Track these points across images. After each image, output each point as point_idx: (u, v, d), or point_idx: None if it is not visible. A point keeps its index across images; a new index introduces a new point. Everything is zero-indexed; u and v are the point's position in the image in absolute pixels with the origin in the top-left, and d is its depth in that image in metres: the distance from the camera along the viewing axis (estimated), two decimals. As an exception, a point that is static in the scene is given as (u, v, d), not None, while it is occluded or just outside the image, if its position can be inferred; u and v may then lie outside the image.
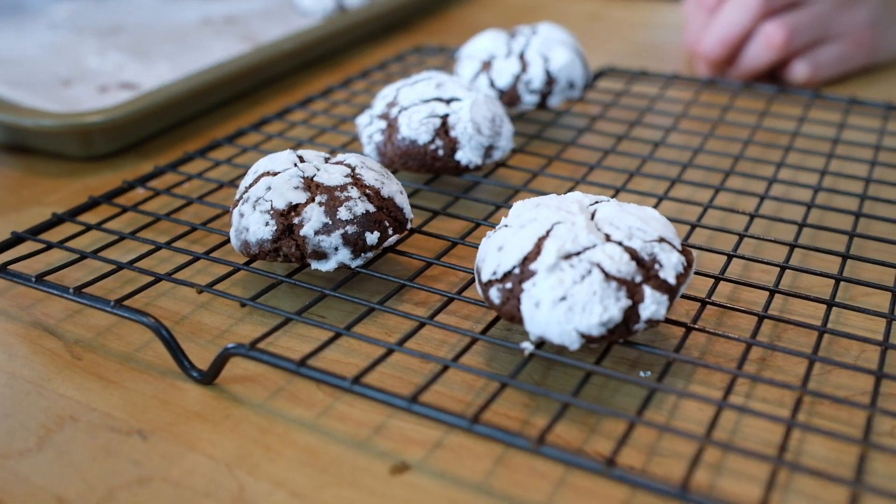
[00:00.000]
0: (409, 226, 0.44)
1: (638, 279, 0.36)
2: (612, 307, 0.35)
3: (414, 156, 0.51)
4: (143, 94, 0.62)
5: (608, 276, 0.35)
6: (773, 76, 0.72)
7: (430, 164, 0.51)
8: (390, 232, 0.43)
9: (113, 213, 0.49)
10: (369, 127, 0.53)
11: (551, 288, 0.35)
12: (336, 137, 0.60)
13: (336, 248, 0.41)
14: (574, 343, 0.35)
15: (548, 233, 0.37)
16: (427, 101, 0.52)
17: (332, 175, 0.43)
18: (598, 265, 0.35)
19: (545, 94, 0.60)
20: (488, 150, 0.51)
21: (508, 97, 0.60)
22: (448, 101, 0.52)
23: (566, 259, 0.36)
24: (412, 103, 0.52)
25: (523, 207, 0.39)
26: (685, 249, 0.38)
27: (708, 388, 0.37)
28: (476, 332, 0.38)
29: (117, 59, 0.75)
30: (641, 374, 0.39)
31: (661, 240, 0.37)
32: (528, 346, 0.37)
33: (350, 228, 0.41)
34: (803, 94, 0.63)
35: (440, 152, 0.50)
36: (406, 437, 0.36)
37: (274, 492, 0.33)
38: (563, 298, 0.35)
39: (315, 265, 0.42)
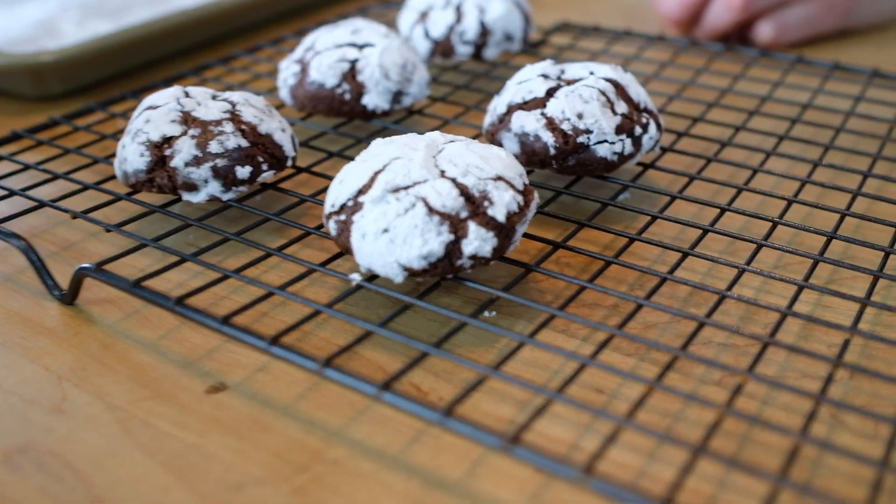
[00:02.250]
0: (289, 163, 0.45)
1: (464, 215, 0.36)
2: (433, 241, 0.35)
3: (322, 99, 0.51)
4: (95, 37, 0.64)
5: (432, 210, 0.35)
6: (745, 38, 0.70)
7: (338, 108, 0.51)
8: (265, 168, 0.44)
9: (29, 146, 0.51)
10: (286, 71, 0.53)
11: (375, 220, 0.36)
12: (268, 82, 0.61)
13: (206, 181, 0.42)
14: (396, 275, 0.36)
15: (384, 167, 0.37)
16: (340, 45, 0.52)
17: (209, 110, 0.44)
18: (424, 199, 0.36)
19: (480, 46, 0.59)
20: (397, 96, 0.52)
21: (443, 48, 0.60)
22: (361, 47, 0.52)
23: (394, 192, 0.36)
24: (326, 48, 0.52)
25: (377, 144, 0.40)
26: (527, 189, 0.38)
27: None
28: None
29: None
30: (486, 313, 0.39)
31: (499, 178, 0.37)
32: (355, 278, 0.37)
33: (220, 162, 0.42)
34: (781, 57, 0.62)
35: (347, 96, 0.51)
36: (234, 360, 0.37)
37: (93, 402, 0.35)
38: (386, 230, 0.35)
39: (186, 196, 0.43)
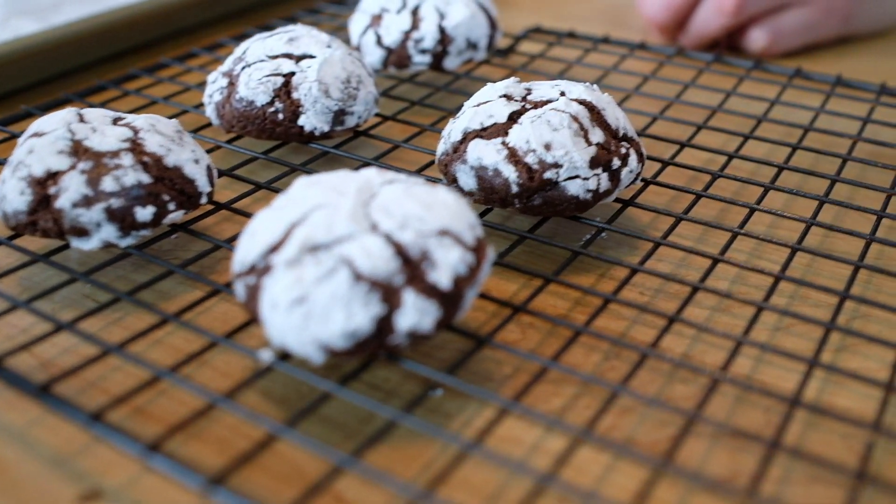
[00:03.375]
0: (204, 200, 0.38)
1: (399, 281, 0.29)
2: (360, 314, 0.28)
3: (251, 119, 0.44)
4: (16, 38, 0.56)
5: (359, 276, 0.28)
6: (735, 45, 0.63)
7: (269, 130, 0.44)
8: (172, 207, 0.37)
9: None
10: (212, 85, 0.46)
11: (288, 287, 0.29)
12: (199, 95, 0.54)
13: (98, 224, 0.35)
14: (314, 356, 0.29)
15: (303, 218, 0.30)
16: (274, 57, 0.45)
17: (105, 138, 0.37)
18: (349, 261, 0.29)
19: (439, 55, 0.52)
20: (339, 116, 0.45)
21: (397, 57, 0.53)
22: (298, 59, 0.45)
23: (312, 252, 0.29)
24: (257, 59, 0.45)
25: (299, 185, 0.33)
26: (479, 245, 0.31)
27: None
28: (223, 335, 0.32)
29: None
30: (432, 392, 0.32)
31: (444, 232, 0.30)
32: (265, 356, 0.30)
33: (115, 201, 0.35)
34: (778, 69, 0.55)
35: (280, 116, 0.44)
36: (113, 459, 0.29)
37: (-67, 517, 0.28)
38: (302, 301, 0.28)
39: (75, 243, 0.36)
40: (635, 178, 0.39)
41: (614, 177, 0.38)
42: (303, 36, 0.46)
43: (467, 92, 0.51)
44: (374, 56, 0.53)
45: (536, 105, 0.39)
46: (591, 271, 0.38)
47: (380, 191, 0.32)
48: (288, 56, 0.45)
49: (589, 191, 0.37)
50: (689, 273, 0.38)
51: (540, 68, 0.56)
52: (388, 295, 0.29)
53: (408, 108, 0.50)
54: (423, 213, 0.30)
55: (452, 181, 0.39)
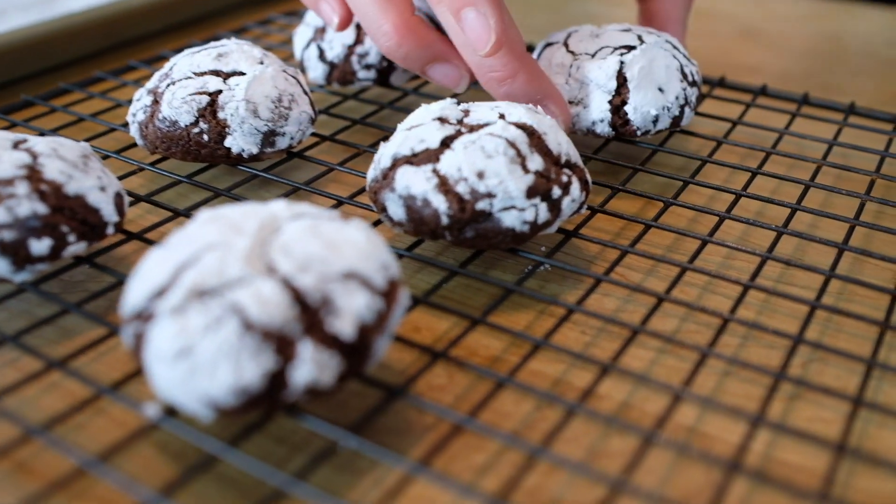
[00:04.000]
0: (110, 230, 0.35)
1: (295, 330, 0.26)
2: (250, 368, 0.25)
3: (175, 140, 0.41)
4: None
5: (250, 326, 0.26)
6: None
7: (195, 152, 0.41)
8: (72, 239, 0.34)
9: None
10: (136, 103, 0.43)
11: (172, 337, 0.26)
12: (126, 113, 0.51)
13: (-12, 259, 0.32)
14: (204, 413, 0.26)
15: (193, 259, 0.27)
16: (201, 73, 0.42)
17: (0, 165, 0.34)
18: (240, 309, 0.26)
19: (385, 70, 0.50)
20: (268, 137, 0.42)
21: (341, 72, 0.50)
22: (227, 76, 0.42)
23: (200, 298, 0.26)
24: (183, 76, 0.42)
25: (199, 220, 0.30)
26: (391, 287, 0.28)
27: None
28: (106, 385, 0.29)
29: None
30: (340, 447, 0.29)
31: (350, 275, 0.27)
32: (151, 411, 0.27)
33: (7, 234, 0.32)
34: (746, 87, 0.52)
35: (205, 137, 0.41)
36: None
37: None
38: (187, 353, 0.26)
39: (-37, 279, 0.33)
40: (579, 208, 0.37)
41: (554, 207, 0.35)
42: (233, 51, 0.43)
43: (416, 108, 0.48)
44: (317, 71, 0.50)
45: (472, 129, 0.36)
46: (529, 308, 0.35)
47: (284, 227, 0.29)
48: (216, 73, 0.42)
49: (526, 222, 0.35)
50: (634, 312, 0.35)
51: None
52: (283, 346, 0.26)
53: (348, 127, 0.47)
54: (328, 254, 0.27)
55: (382, 210, 0.36)
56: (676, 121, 0.44)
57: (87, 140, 0.45)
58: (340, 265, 0.27)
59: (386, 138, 0.45)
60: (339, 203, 0.40)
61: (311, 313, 0.26)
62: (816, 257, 0.38)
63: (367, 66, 0.49)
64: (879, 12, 0.73)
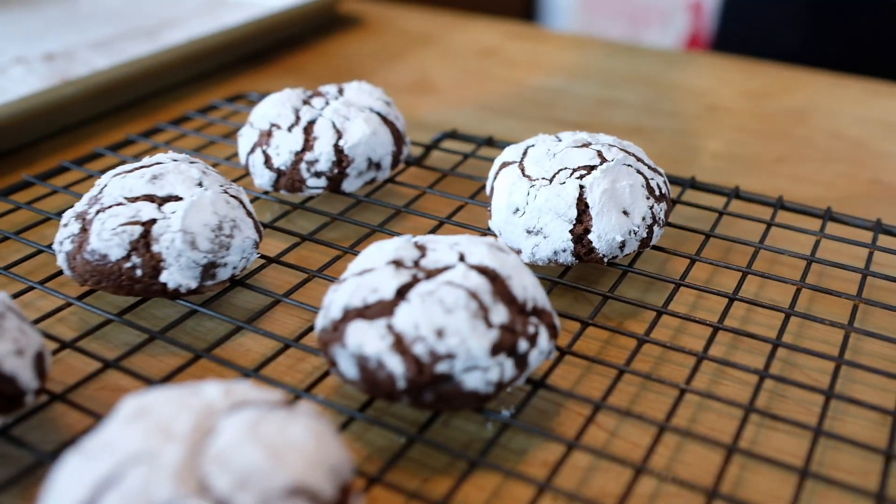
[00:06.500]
0: (30, 398, 0.32)
1: (231, 566, 0.23)
2: None
3: (106, 275, 0.38)
4: None
5: (179, 565, 0.22)
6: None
7: (127, 287, 0.38)
8: (-16, 415, 0.30)
9: None
10: (64, 229, 0.40)
11: (88, 580, 0.22)
12: (55, 228, 0.47)
13: None
14: None
15: (114, 476, 0.24)
16: (133, 199, 0.39)
17: None
18: (167, 545, 0.22)
19: (336, 178, 0.46)
20: (208, 269, 0.38)
21: (289, 180, 0.47)
22: (162, 202, 0.39)
23: (121, 531, 0.23)
24: (114, 202, 0.39)
25: (124, 413, 0.26)
26: (343, 495, 0.25)
27: None
28: None
29: None
30: None
31: (296, 491, 0.24)
32: None
33: None
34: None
35: (138, 272, 0.37)
36: None
37: None
38: None
39: None
40: (548, 355, 0.34)
41: (521, 362, 0.32)
42: (169, 172, 0.40)
43: (367, 224, 0.45)
44: (262, 178, 0.47)
45: (430, 274, 0.33)
46: (496, 475, 0.32)
47: (220, 426, 0.25)
48: (150, 198, 0.39)
49: (490, 383, 0.32)
50: (608, 479, 0.32)
51: (450, 189, 0.50)
52: (218, 587, 0.23)
53: (296, 245, 0.44)
54: (269, 466, 0.24)
55: (332, 364, 0.33)
56: (645, 242, 0.41)
57: (10, 266, 0.42)
58: (284, 479, 0.24)
59: (337, 258, 0.43)
60: (285, 346, 0.37)
61: (250, 543, 0.23)
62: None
63: (317, 174, 0.46)
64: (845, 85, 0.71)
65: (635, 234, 0.40)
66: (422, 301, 0.32)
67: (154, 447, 0.25)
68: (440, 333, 0.31)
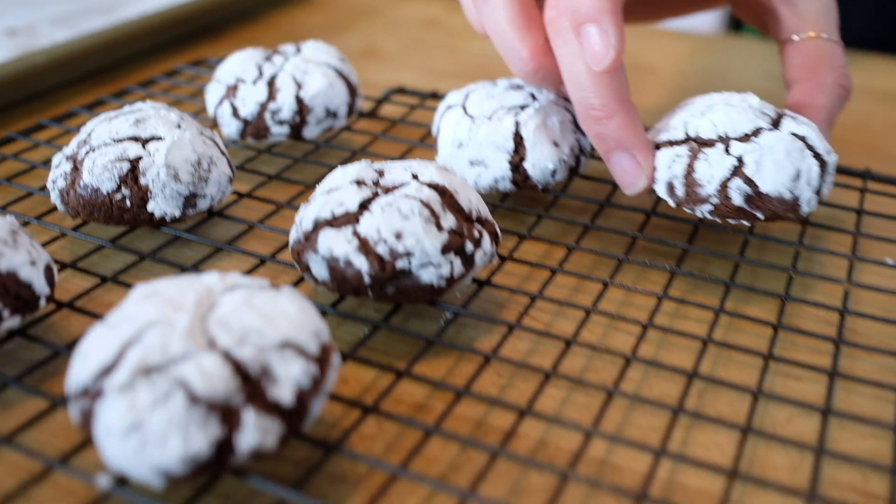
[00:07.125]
0: (43, 302, 0.36)
1: (238, 401, 0.28)
2: (198, 439, 0.27)
3: (98, 206, 0.43)
4: None
5: (195, 398, 0.27)
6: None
7: (117, 217, 0.43)
8: (6, 315, 0.35)
9: None
10: (56, 170, 0.44)
11: (122, 413, 0.27)
12: (42, 175, 0.52)
13: (-77, 340, 0.33)
14: (155, 482, 0.28)
15: (137, 337, 0.29)
16: (120, 140, 0.44)
17: (-70, 245, 0.35)
18: (185, 383, 0.28)
19: (297, 125, 0.52)
20: (190, 199, 0.43)
21: (254, 129, 0.52)
22: (146, 142, 0.44)
23: (146, 375, 0.28)
24: (102, 143, 0.43)
25: (134, 299, 0.31)
26: (324, 352, 0.31)
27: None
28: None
29: None
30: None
31: (286, 344, 0.29)
32: (103, 481, 0.29)
33: (-58, 314, 0.33)
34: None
35: (128, 203, 0.42)
36: None
37: None
38: (137, 427, 0.27)
39: None
40: (490, 259, 0.39)
41: (468, 261, 0.38)
42: (150, 117, 0.45)
43: (327, 164, 0.50)
44: (230, 127, 0.52)
45: (388, 190, 0.39)
46: (450, 355, 0.38)
47: (220, 301, 0.31)
48: (135, 139, 0.44)
49: (443, 277, 0.37)
50: (546, 353, 0.38)
51: (400, 135, 0.56)
52: (228, 416, 0.28)
53: (265, 182, 0.49)
54: (264, 326, 0.30)
55: (306, 269, 0.39)
56: (574, 170, 0.47)
57: (5, 206, 0.46)
58: (276, 336, 0.29)
59: (302, 194, 0.48)
60: (261, 261, 0.42)
61: (251, 383, 0.28)
62: (706, 296, 0.42)
63: (280, 122, 0.51)
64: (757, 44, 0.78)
65: (565, 162, 0.46)
66: (382, 211, 0.37)
67: (167, 315, 0.30)
68: (398, 236, 0.37)
